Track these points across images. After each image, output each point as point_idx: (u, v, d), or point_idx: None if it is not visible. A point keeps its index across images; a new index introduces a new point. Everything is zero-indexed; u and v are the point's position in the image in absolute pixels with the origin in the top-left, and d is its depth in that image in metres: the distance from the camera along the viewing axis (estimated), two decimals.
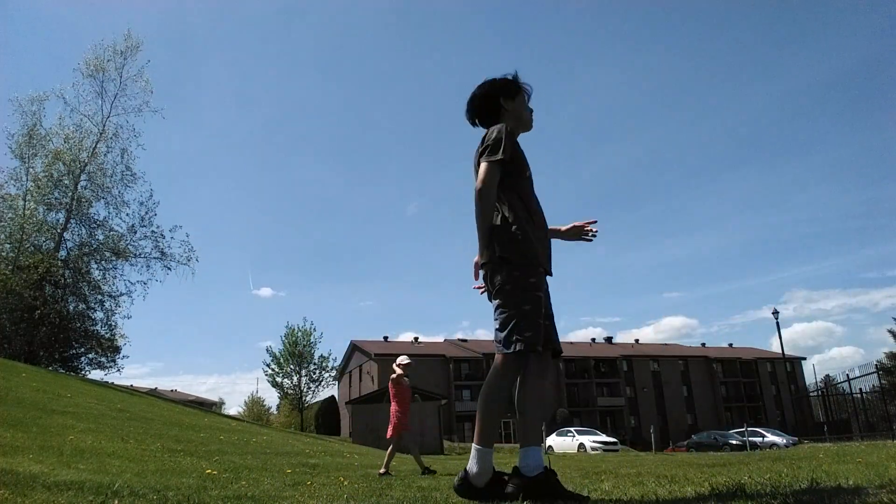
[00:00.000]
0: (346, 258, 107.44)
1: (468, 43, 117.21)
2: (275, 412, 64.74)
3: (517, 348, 2.26)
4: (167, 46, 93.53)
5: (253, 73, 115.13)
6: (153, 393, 34.21)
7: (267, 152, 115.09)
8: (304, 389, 49.70)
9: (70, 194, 23.57)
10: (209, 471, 3.68)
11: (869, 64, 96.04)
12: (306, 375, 49.74)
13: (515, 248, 2.35)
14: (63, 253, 23.81)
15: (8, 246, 22.71)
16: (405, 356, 7.16)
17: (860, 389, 20.82)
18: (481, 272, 2.46)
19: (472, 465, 2.28)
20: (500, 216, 2.41)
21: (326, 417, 50.95)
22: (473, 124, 2.70)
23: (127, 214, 24.61)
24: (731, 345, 69.29)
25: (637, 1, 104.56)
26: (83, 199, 23.90)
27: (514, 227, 2.38)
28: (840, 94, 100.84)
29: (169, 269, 24.70)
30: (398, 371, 6.79)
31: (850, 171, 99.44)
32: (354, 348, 56.43)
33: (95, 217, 24.46)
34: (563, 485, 2.29)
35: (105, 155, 24.51)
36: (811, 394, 37.90)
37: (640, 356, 59.56)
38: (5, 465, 2.73)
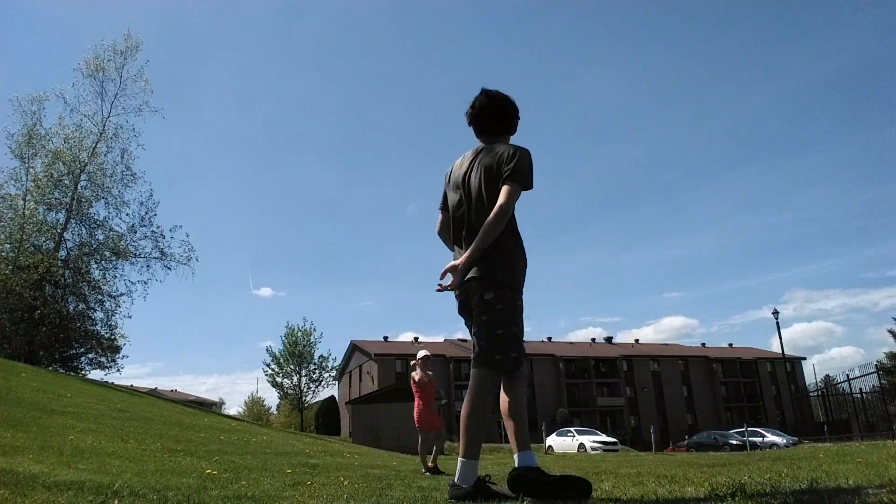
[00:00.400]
0: (346, 258, 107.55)
1: (468, 43, 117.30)
2: (275, 412, 64.78)
3: (507, 366, 2.41)
4: (167, 46, 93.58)
5: (253, 73, 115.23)
6: (153, 393, 34.21)
7: (267, 152, 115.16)
8: (304, 389, 49.75)
9: (70, 194, 23.57)
10: (209, 471, 3.68)
11: (869, 64, 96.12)
12: (306, 375, 49.80)
13: (515, 275, 2.49)
14: (63, 253, 23.81)
15: (8, 246, 22.70)
16: (423, 350, 7.00)
17: (860, 389, 20.82)
18: (450, 277, 2.48)
19: (461, 480, 2.36)
20: (504, 239, 2.47)
21: (326, 417, 50.96)
22: (482, 125, 2.68)
23: (127, 214, 24.66)
24: (731, 345, 69.35)
25: (637, 1, 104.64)
26: (83, 199, 23.90)
27: (516, 254, 2.51)
28: (840, 94, 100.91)
29: (169, 269, 24.74)
30: (416, 371, 6.69)
31: (850, 171, 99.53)
32: (354, 348, 56.45)
33: (95, 217, 24.49)
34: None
35: (105, 155, 24.54)
36: (811, 394, 37.92)
37: (640, 356, 59.57)
38: (5, 465, 2.73)
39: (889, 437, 16.48)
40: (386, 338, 57.92)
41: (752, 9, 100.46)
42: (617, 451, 24.32)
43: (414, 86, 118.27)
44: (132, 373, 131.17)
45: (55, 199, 23.54)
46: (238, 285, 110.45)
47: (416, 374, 6.69)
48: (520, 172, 2.46)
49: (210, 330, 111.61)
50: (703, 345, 67.98)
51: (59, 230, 23.63)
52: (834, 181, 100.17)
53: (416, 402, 6.67)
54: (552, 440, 28.36)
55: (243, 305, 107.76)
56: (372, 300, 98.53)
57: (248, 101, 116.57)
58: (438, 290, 2.53)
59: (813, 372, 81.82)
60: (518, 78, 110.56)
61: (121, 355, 24.94)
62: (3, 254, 22.54)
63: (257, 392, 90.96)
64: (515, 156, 2.48)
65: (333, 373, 52.04)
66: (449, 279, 2.47)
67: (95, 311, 24.29)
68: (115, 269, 24.53)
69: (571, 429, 29.69)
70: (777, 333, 29.46)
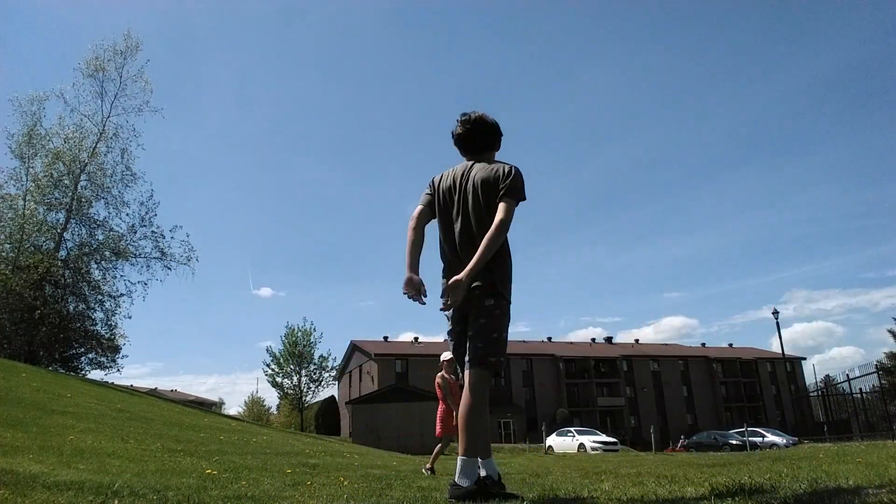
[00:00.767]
0: (346, 258, 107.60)
1: (468, 43, 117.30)
2: (275, 412, 64.76)
3: (497, 368, 2.61)
4: (167, 46, 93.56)
5: (253, 73, 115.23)
6: (153, 393, 34.21)
7: (267, 152, 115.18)
8: (304, 389, 49.73)
9: (70, 194, 23.55)
10: (209, 471, 3.68)
11: (869, 64, 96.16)
12: (306, 375, 49.78)
13: (509, 284, 2.71)
14: (63, 253, 23.79)
15: (8, 246, 22.69)
16: (447, 352, 6.37)
17: (860, 389, 20.83)
18: (444, 288, 2.61)
19: (461, 479, 2.46)
20: (500, 250, 2.66)
21: (326, 417, 50.93)
22: (472, 143, 2.86)
23: (127, 214, 24.63)
24: (731, 345, 69.30)
25: (637, 1, 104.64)
26: (83, 199, 23.89)
27: (509, 266, 2.73)
28: (840, 95, 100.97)
29: (169, 269, 24.71)
30: (440, 374, 6.54)
31: (850, 171, 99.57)
32: (354, 348, 56.42)
33: (95, 217, 24.46)
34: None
35: (105, 155, 24.52)
36: (811, 394, 37.95)
37: (640, 356, 59.54)
38: (5, 465, 2.73)
39: (889, 437, 16.49)
40: (386, 338, 57.96)
41: (750, 9, 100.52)
42: (617, 451, 24.32)
43: (414, 85, 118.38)
44: (132, 373, 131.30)
45: (55, 199, 23.53)
46: (238, 285, 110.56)
47: (440, 377, 6.54)
48: (516, 189, 2.65)
49: (210, 330, 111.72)
50: (703, 345, 67.96)
51: (59, 230, 23.62)
52: (834, 181, 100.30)
53: (439, 406, 6.51)
54: (552, 440, 28.35)
55: (243, 305, 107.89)
56: (372, 300, 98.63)
57: (248, 101, 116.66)
58: (444, 310, 2.63)
59: (813, 372, 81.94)
60: (519, 78, 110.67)
61: (121, 355, 24.95)
62: (3, 254, 22.53)
63: (257, 392, 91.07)
64: (512, 173, 2.68)
65: (333, 373, 52.02)
66: (454, 295, 2.53)
67: (95, 311, 24.29)
68: (115, 269, 24.54)
69: (571, 429, 29.69)
70: (777, 333, 29.46)
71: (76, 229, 24.26)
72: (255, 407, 64.29)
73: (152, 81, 25.46)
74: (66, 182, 23.58)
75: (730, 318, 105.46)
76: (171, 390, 61.86)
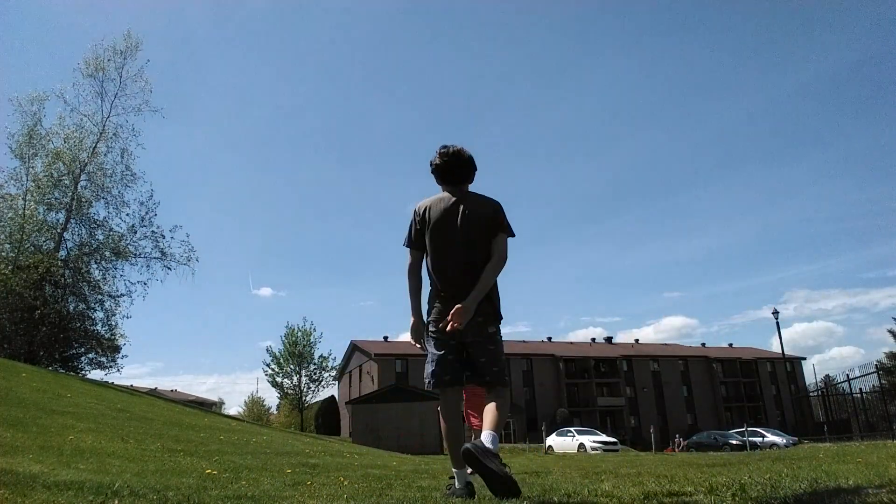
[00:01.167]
0: (346, 258, 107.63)
1: (468, 43, 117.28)
2: (275, 412, 64.74)
3: (507, 384, 2.98)
4: (167, 46, 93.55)
5: (253, 73, 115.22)
6: (153, 393, 34.20)
7: (267, 152, 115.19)
8: (304, 389, 49.74)
9: (70, 194, 23.54)
10: (209, 471, 3.68)
11: (869, 64, 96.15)
12: (306, 375, 49.78)
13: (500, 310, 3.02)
14: (63, 253, 23.77)
15: (8, 246, 22.67)
16: None
17: (860, 389, 20.83)
18: (439, 312, 2.90)
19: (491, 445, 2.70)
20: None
21: (326, 417, 50.93)
22: (464, 177, 3.06)
23: (127, 214, 24.58)
24: (731, 345, 69.31)
25: (638, 2, 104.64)
26: (83, 199, 23.87)
27: (499, 293, 3.01)
28: (840, 95, 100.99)
29: (169, 269, 24.66)
30: None
31: (851, 171, 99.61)
32: (354, 348, 56.43)
33: (95, 217, 24.41)
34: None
35: (105, 155, 24.47)
36: (811, 394, 37.94)
37: (640, 356, 59.55)
38: (5, 465, 2.73)
39: (889, 437, 16.49)
40: (386, 338, 57.95)
41: (749, 9, 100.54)
42: (617, 451, 24.32)
43: (414, 85, 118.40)
44: (132, 373, 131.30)
45: (55, 199, 23.51)
46: (238, 285, 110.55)
47: None
48: (509, 225, 2.98)
49: (210, 330, 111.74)
50: (703, 345, 67.96)
51: (59, 230, 23.61)
52: (834, 181, 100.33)
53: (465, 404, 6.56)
54: (552, 440, 28.36)
55: (243, 305, 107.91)
56: (372, 300, 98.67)
57: (248, 101, 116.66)
58: (449, 334, 2.82)
59: (813, 372, 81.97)
60: (520, 77, 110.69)
61: (121, 355, 24.88)
62: (3, 254, 22.51)
63: (257, 392, 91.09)
64: (501, 209, 3.00)
65: (333, 373, 52.02)
66: (459, 321, 2.74)
67: (95, 311, 24.26)
68: (115, 269, 24.48)
69: (571, 429, 29.70)
70: (777, 333, 29.49)
71: (76, 229, 24.25)
72: (255, 407, 64.29)
73: (152, 81, 25.46)
74: (66, 182, 23.56)
75: (730, 318, 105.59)
76: (171, 390, 61.86)
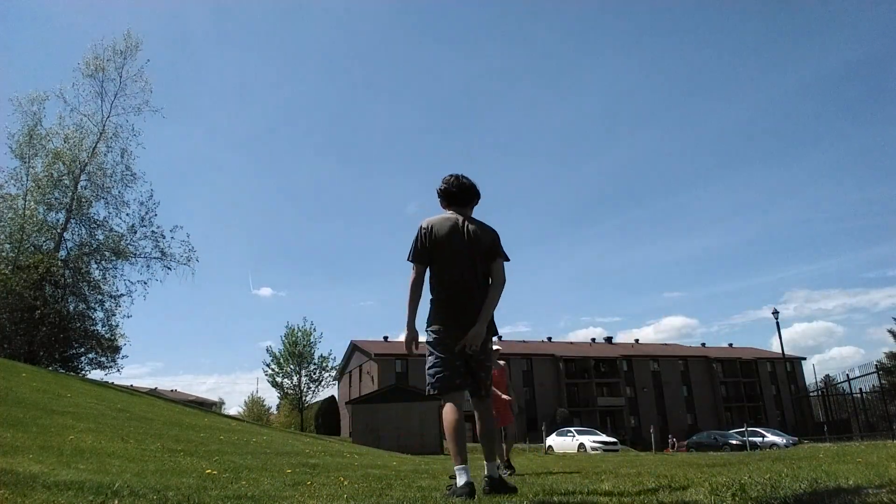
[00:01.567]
0: (346, 258, 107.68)
1: (468, 43, 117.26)
2: (275, 412, 64.72)
3: None
4: (167, 46, 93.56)
5: (253, 72, 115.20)
6: (153, 393, 34.19)
7: (267, 152, 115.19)
8: (304, 389, 49.67)
9: (70, 194, 23.53)
10: (209, 471, 3.68)
11: (870, 63, 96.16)
12: (306, 375, 49.71)
13: None
14: (63, 253, 23.75)
15: (8, 246, 22.67)
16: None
17: (860, 389, 20.82)
18: (451, 334, 3.13)
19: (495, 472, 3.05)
20: None
21: (326, 417, 50.91)
22: (467, 200, 3.34)
23: (127, 214, 24.56)
24: (731, 345, 69.29)
25: (637, 2, 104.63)
26: (83, 199, 23.86)
27: None
28: (840, 95, 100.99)
29: (169, 269, 24.64)
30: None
31: (851, 171, 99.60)
32: (354, 348, 56.41)
33: (95, 217, 24.39)
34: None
35: (105, 155, 24.46)
36: (811, 394, 37.93)
37: (640, 356, 59.53)
38: (5, 465, 2.73)
39: (889, 437, 16.48)
40: (386, 338, 57.93)
41: (749, 9, 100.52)
42: (617, 451, 24.31)
43: (414, 85, 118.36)
44: (132, 373, 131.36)
45: (55, 199, 23.50)
46: (238, 285, 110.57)
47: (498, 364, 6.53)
48: (504, 251, 3.26)
49: (210, 330, 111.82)
50: (703, 345, 67.95)
51: (59, 230, 23.59)
52: (834, 181, 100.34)
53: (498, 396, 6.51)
54: (552, 440, 28.34)
55: (243, 305, 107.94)
56: (372, 300, 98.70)
57: (248, 101, 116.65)
58: (469, 355, 3.08)
59: (813, 372, 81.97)
60: (520, 76, 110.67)
61: (121, 355, 24.85)
62: (3, 254, 22.50)
63: (257, 392, 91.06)
64: (499, 237, 3.28)
65: (333, 373, 51.97)
66: (476, 342, 3.05)
67: (95, 311, 24.23)
68: (115, 269, 24.46)
69: (571, 429, 29.69)
70: (777, 333, 29.49)
71: (76, 229, 24.24)
72: (255, 407, 64.25)
73: (152, 81, 25.45)
74: (66, 182, 23.55)
75: (730, 318, 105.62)
76: (171, 390, 61.84)
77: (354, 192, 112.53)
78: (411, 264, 3.24)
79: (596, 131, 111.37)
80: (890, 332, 40.54)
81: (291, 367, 49.40)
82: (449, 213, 3.30)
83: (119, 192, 24.38)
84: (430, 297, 3.27)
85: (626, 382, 57.38)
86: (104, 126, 24.52)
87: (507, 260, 3.25)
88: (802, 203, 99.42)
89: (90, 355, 24.31)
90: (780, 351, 31.63)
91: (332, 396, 54.88)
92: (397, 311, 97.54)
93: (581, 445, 25.94)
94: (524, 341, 59.92)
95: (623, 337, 74.93)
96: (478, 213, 3.45)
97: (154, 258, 24.56)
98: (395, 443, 25.01)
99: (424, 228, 3.22)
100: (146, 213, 24.51)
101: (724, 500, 2.28)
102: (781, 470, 3.74)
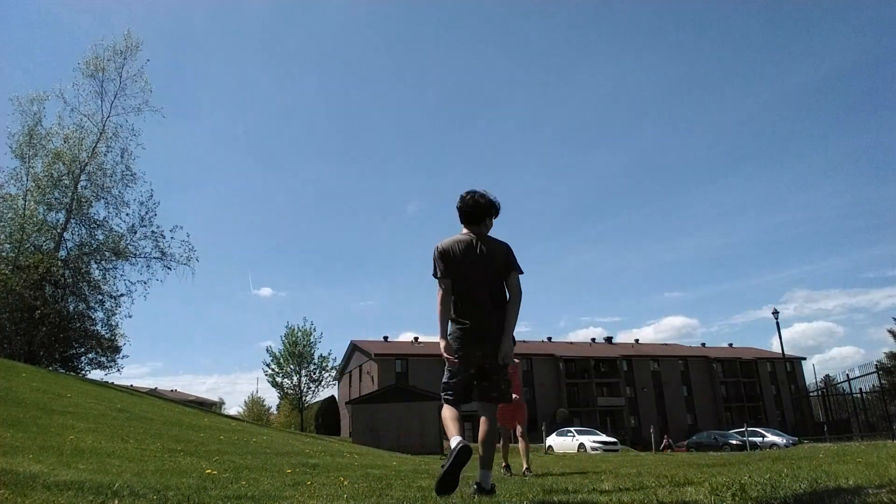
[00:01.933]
0: (346, 258, 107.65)
1: (467, 44, 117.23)
2: (275, 412, 64.69)
3: None
4: (167, 46, 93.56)
5: (253, 73, 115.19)
6: (153, 393, 34.19)
7: (267, 152, 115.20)
8: (304, 389, 49.63)
9: (70, 194, 23.53)
10: (209, 471, 3.68)
11: (870, 63, 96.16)
12: (306, 375, 49.68)
13: None
14: (63, 253, 23.76)
15: (8, 246, 22.67)
16: None
17: (860, 389, 20.80)
18: (470, 352, 3.23)
19: (482, 481, 3.11)
20: None
21: (326, 417, 50.90)
22: (481, 219, 3.40)
23: (127, 214, 24.57)
24: (731, 345, 69.26)
25: (633, 2, 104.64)
26: (83, 199, 23.86)
27: None
28: (840, 95, 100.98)
29: (169, 269, 24.65)
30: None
31: (851, 171, 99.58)
32: (354, 348, 56.41)
33: (95, 217, 24.40)
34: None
35: (105, 155, 24.47)
36: (811, 394, 37.89)
37: (640, 356, 59.52)
38: (5, 465, 2.73)
39: (889, 437, 16.47)
40: (386, 338, 57.93)
41: (749, 9, 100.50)
42: (617, 451, 24.31)
43: (414, 85, 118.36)
44: (132, 373, 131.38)
45: (55, 199, 23.50)
46: (238, 285, 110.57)
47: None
48: (517, 264, 3.36)
49: (210, 330, 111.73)
50: (703, 345, 67.92)
51: (59, 230, 23.60)
52: (834, 181, 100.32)
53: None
54: (552, 440, 28.34)
55: (243, 305, 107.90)
56: (372, 300, 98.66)
57: (248, 101, 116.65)
58: (511, 374, 3.30)
59: (813, 372, 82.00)
60: (519, 77, 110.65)
61: (121, 355, 24.89)
62: (3, 254, 22.51)
63: (257, 392, 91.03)
64: (511, 250, 3.39)
65: (333, 373, 51.95)
66: (508, 358, 3.26)
67: (95, 311, 24.24)
68: (115, 269, 24.47)
69: (571, 429, 29.68)
70: (777, 333, 29.49)
71: (76, 229, 24.24)
72: (255, 407, 64.23)
73: (152, 81, 25.47)
74: (66, 182, 23.56)
75: (730, 318, 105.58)
76: (171, 390, 61.82)
77: (355, 192, 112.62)
78: (437, 281, 3.34)
79: (596, 131, 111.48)
80: (890, 332, 40.57)
81: (291, 367, 49.38)
82: (461, 235, 3.42)
83: (119, 192, 24.42)
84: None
85: (626, 382, 57.37)
86: (104, 126, 24.55)
87: (522, 273, 3.36)
88: (802, 203, 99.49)
89: (90, 355, 24.32)
90: (780, 351, 31.63)
91: (332, 396, 54.87)
92: (397, 311, 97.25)
93: (581, 445, 25.93)
94: (524, 341, 59.88)
95: (623, 337, 74.92)
96: None
97: (154, 258, 24.58)
98: (395, 443, 24.99)
99: (440, 249, 3.35)
100: (146, 213, 24.55)
101: (724, 500, 2.28)
102: (781, 470, 3.74)
